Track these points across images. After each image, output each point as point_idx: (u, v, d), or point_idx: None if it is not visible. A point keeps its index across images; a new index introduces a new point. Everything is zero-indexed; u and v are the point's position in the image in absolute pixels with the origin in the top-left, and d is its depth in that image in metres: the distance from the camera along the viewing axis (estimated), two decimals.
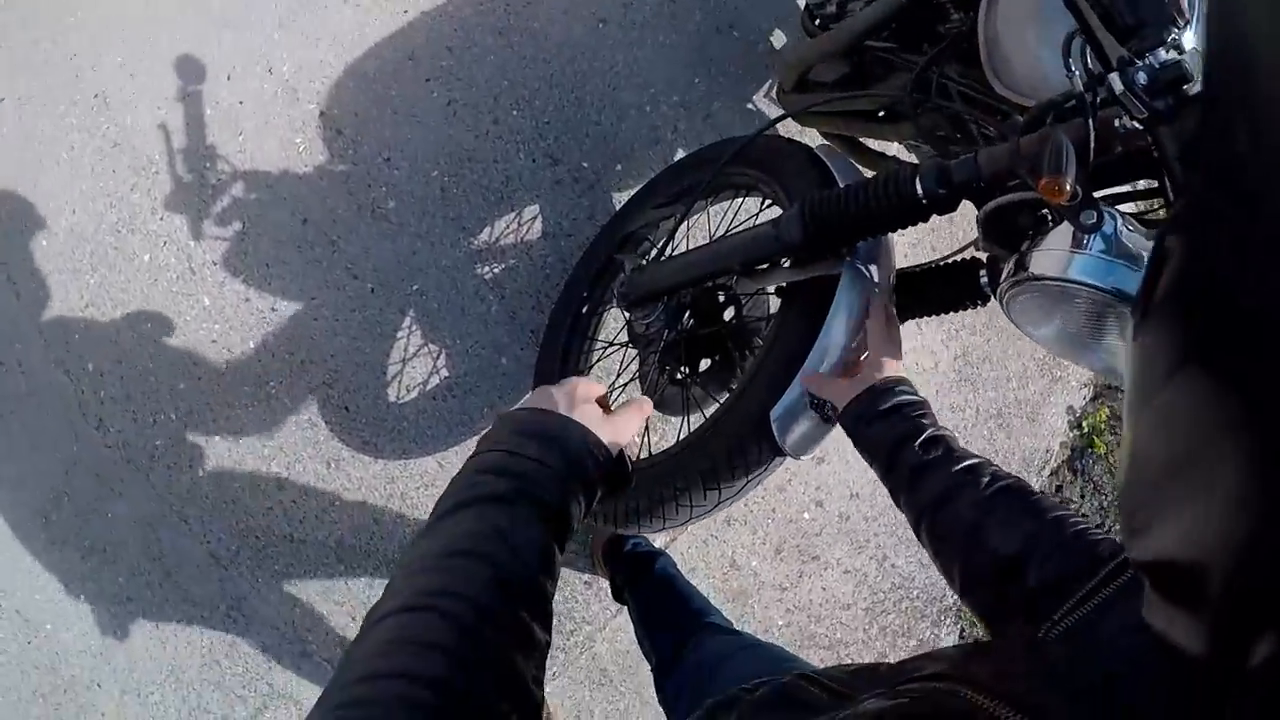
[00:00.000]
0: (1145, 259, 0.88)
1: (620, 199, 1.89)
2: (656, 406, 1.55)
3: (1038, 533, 0.73)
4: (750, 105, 1.98)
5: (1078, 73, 0.87)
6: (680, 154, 1.93)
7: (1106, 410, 2.08)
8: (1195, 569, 0.30)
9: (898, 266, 1.24)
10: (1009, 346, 2.10)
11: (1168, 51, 0.83)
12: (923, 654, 0.54)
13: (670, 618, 1.41)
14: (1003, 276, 0.99)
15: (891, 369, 1.00)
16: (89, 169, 1.68)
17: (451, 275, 1.80)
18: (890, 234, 1.14)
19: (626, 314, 1.52)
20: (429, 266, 1.79)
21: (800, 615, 1.95)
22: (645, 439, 1.54)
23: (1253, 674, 0.27)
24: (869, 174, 1.24)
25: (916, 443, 0.88)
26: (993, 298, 1.09)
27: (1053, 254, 0.95)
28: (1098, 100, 0.86)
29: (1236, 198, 0.26)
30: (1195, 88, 0.80)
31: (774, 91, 1.78)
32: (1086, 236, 0.90)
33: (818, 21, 1.63)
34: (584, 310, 1.76)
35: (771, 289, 1.36)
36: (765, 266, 1.25)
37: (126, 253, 1.68)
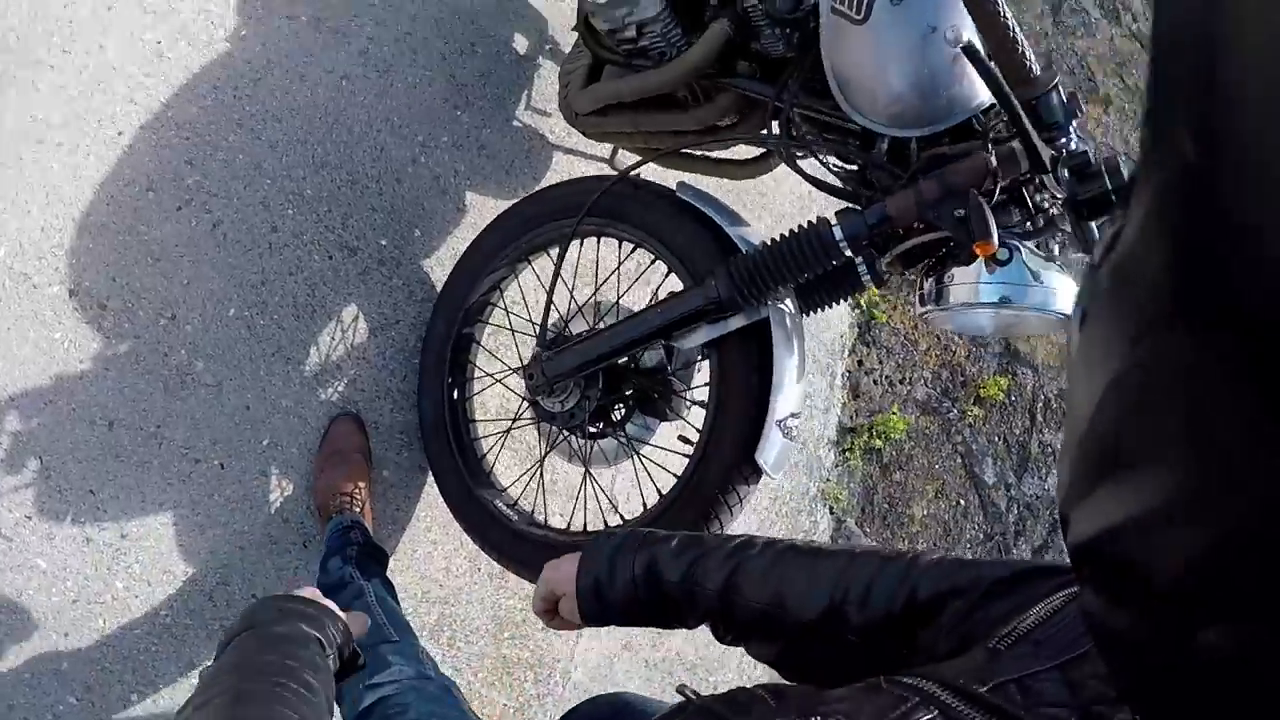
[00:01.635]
0: (1041, 275, 1.23)
1: (432, 265, 1.89)
2: (593, 465, 1.69)
3: (839, 575, 0.71)
4: (517, 122, 2.01)
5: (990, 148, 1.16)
6: (469, 196, 1.94)
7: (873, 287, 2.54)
8: (1134, 565, 0.31)
9: None
10: None
11: (1074, 142, 1.13)
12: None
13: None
14: (924, 300, 1.34)
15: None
16: None
17: (297, 414, 1.72)
18: None
19: (534, 396, 1.62)
20: (269, 415, 1.68)
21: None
22: (584, 505, 1.66)
23: (1202, 666, 0.28)
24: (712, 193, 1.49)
25: (662, 566, 0.80)
26: (870, 288, 1.43)
27: (970, 286, 1.27)
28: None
29: (1187, 205, 0.26)
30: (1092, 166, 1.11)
31: (561, 111, 1.82)
32: (993, 267, 1.19)
33: (606, 45, 1.69)
34: (455, 396, 1.79)
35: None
36: (688, 327, 1.43)
37: None
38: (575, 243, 1.63)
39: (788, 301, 1.42)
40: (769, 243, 1.33)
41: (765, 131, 1.53)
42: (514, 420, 1.78)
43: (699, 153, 1.82)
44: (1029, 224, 1.25)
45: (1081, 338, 0.33)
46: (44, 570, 1.47)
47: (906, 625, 0.66)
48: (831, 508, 2.47)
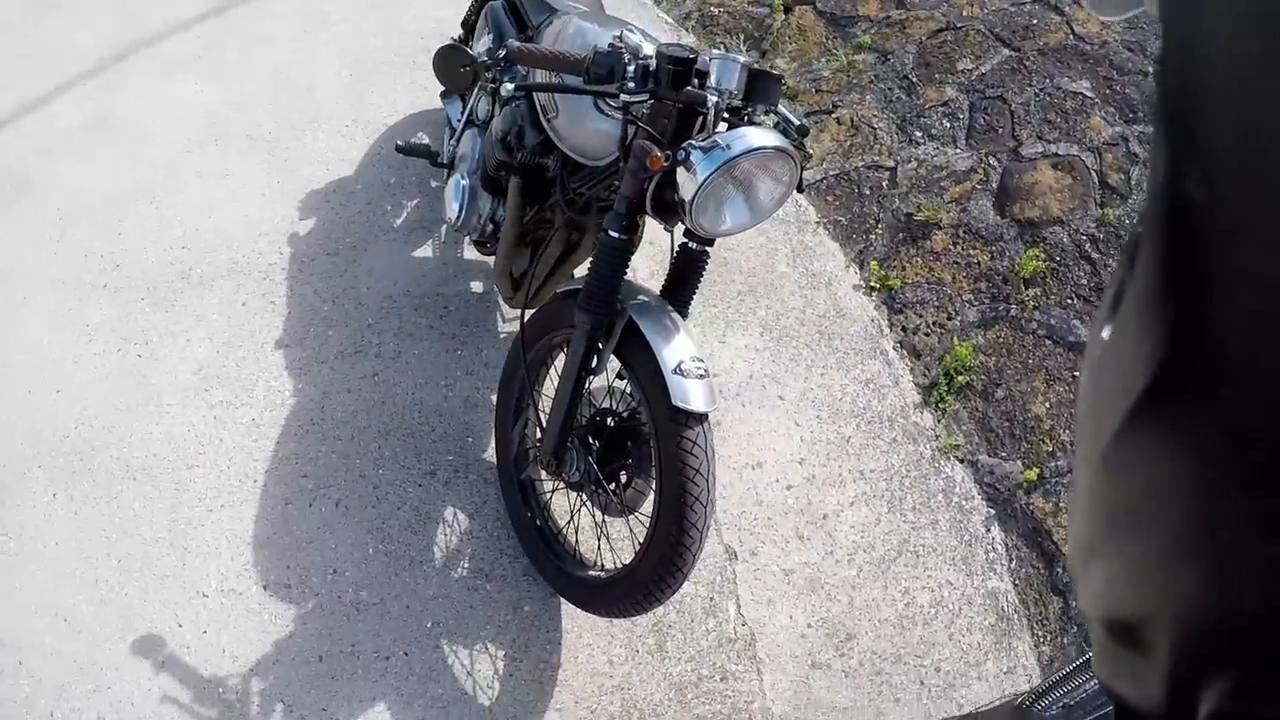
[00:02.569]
0: (717, 140, 1.66)
1: (489, 454, 2.50)
2: (628, 512, 2.11)
3: None
4: (503, 332, 2.73)
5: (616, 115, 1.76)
6: (492, 398, 2.59)
7: (874, 263, 2.85)
8: (1142, 618, 0.32)
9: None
10: (780, 293, 2.85)
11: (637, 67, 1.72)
12: None
13: None
14: (682, 218, 1.76)
15: None
16: None
17: (444, 596, 2.29)
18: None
19: (560, 478, 2.12)
20: (425, 605, 2.27)
21: (859, 555, 2.43)
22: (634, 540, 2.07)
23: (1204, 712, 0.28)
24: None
25: None
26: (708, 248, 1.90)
27: (684, 183, 1.70)
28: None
29: (1194, 250, 0.28)
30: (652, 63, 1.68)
31: (509, 309, 2.52)
32: (689, 162, 1.66)
33: (491, 245, 2.42)
34: (539, 524, 2.31)
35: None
36: (595, 362, 1.98)
37: None
38: (550, 367, 2.24)
39: (640, 295, 1.92)
40: (588, 271, 1.90)
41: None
42: (573, 511, 2.27)
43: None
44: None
45: (1085, 395, 0.35)
46: None
47: None
48: (957, 457, 2.60)
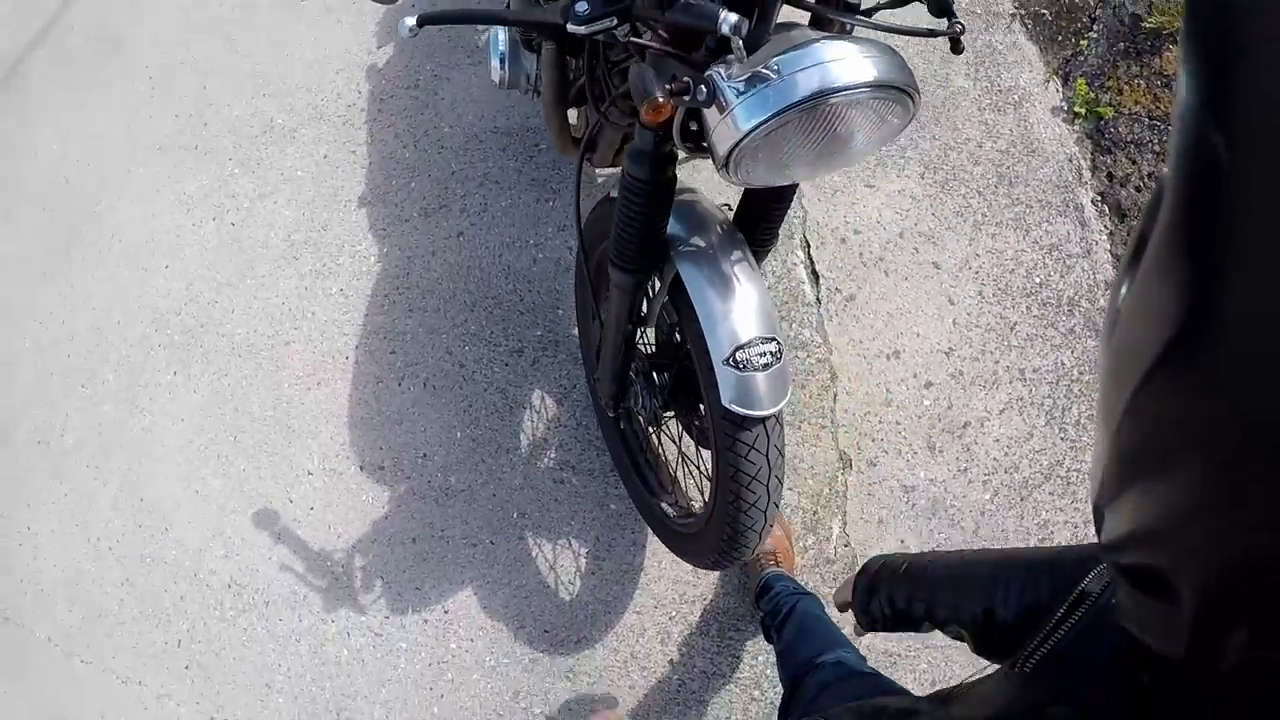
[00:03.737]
0: (774, 66, 1.09)
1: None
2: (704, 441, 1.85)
3: (997, 575, 0.79)
4: (600, 178, 2.37)
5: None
6: None
7: (1081, 81, 2.11)
8: (1168, 566, 0.32)
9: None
10: (953, 116, 2.23)
11: None
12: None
13: (798, 656, 1.61)
14: (718, 166, 1.24)
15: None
16: (264, 634, 2.33)
17: (529, 486, 2.27)
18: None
19: (628, 412, 1.93)
20: (510, 495, 2.27)
21: (997, 476, 2.09)
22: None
23: (1225, 675, 0.29)
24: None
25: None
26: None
27: (720, 130, 1.15)
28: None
29: (1217, 199, 0.28)
30: None
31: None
32: (721, 100, 1.12)
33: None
34: (622, 426, 2.09)
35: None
36: (644, 313, 1.69)
37: (332, 660, 2.27)
38: None
39: (696, 239, 1.49)
40: (615, 221, 1.47)
41: None
42: (649, 432, 2.04)
43: None
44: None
45: (1113, 341, 0.35)
46: (405, 649, 2.24)
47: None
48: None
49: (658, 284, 1.57)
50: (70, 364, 2.58)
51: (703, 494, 1.96)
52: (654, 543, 2.20)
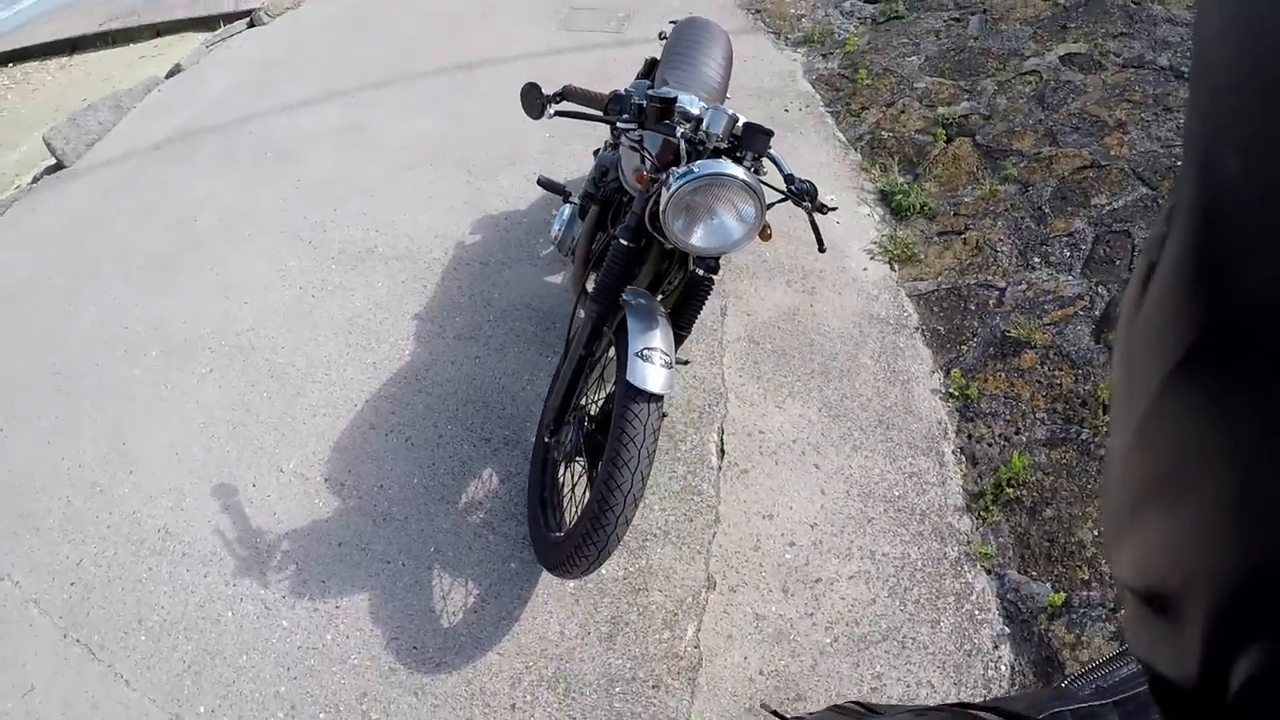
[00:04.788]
0: (693, 166, 2.02)
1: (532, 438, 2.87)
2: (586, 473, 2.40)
3: None
4: None
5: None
6: None
7: (958, 372, 2.93)
8: (1177, 588, 0.33)
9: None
10: (854, 380, 3.01)
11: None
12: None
13: None
14: (664, 225, 2.12)
15: None
16: (166, 577, 2.61)
17: (454, 531, 2.72)
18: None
19: (556, 444, 2.52)
20: (435, 533, 2.72)
21: (840, 627, 2.47)
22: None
23: (1234, 698, 0.29)
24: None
25: None
26: (713, 274, 2.25)
27: (663, 194, 2.05)
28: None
29: (1228, 218, 0.28)
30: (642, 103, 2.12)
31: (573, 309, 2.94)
32: (668, 181, 2.04)
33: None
34: (545, 494, 2.62)
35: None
36: (596, 347, 2.40)
37: (211, 617, 2.53)
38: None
39: (640, 298, 2.32)
40: (603, 268, 2.33)
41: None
42: (574, 484, 2.57)
43: None
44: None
45: (1120, 366, 0.37)
46: (285, 626, 2.50)
47: None
48: (985, 566, 2.56)
49: (608, 326, 2.32)
50: (123, 334, 3.24)
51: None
52: (534, 602, 2.53)
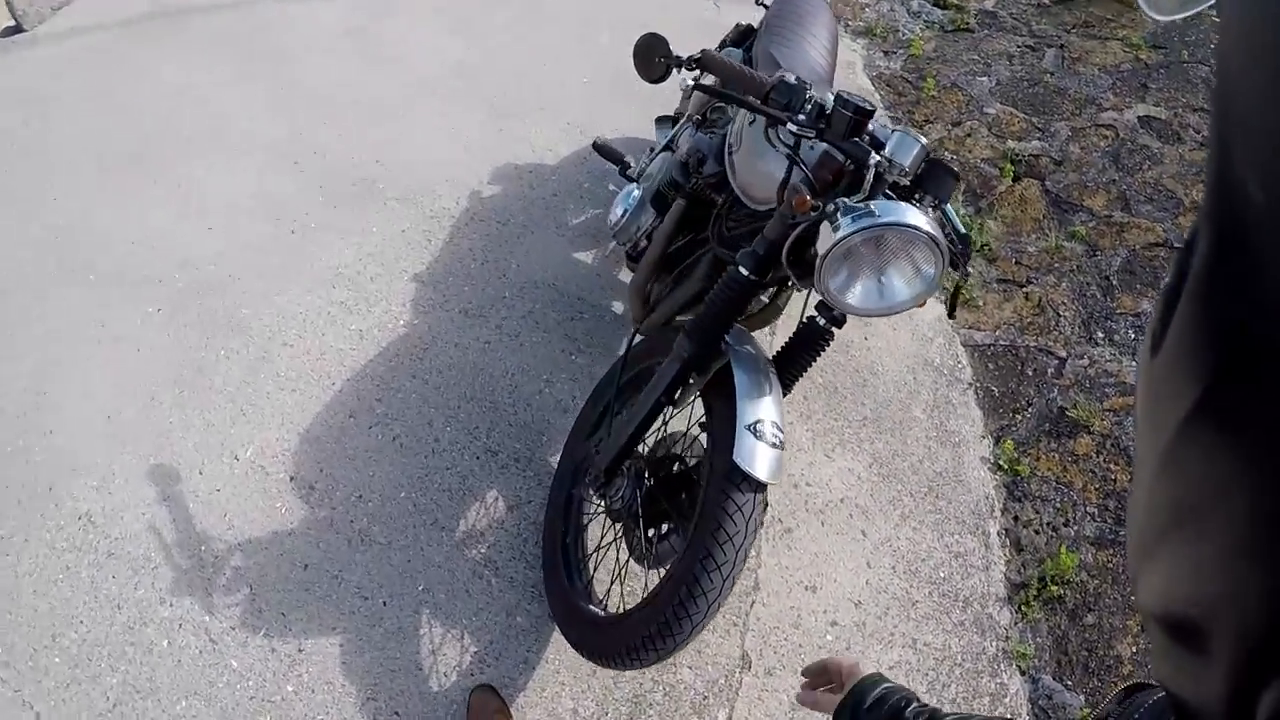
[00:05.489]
0: (872, 205, 1.58)
1: (555, 460, 2.44)
2: (654, 564, 1.99)
3: None
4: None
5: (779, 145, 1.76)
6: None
7: (1010, 442, 2.67)
8: (1202, 617, 0.33)
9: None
10: (905, 435, 2.70)
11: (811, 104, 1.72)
12: None
13: None
14: (816, 279, 1.68)
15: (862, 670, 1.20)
16: (88, 582, 2.07)
17: (447, 568, 2.24)
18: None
19: (602, 500, 2.07)
20: (425, 567, 2.23)
21: None
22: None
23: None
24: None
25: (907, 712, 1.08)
26: (832, 333, 1.84)
27: (824, 237, 1.62)
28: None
29: (1251, 250, 0.29)
30: (829, 107, 1.66)
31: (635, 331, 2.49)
32: (835, 217, 1.59)
33: (637, 260, 2.41)
34: (567, 541, 2.21)
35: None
36: (679, 393, 1.95)
37: (143, 645, 2.01)
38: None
39: (747, 345, 1.90)
40: (704, 301, 1.86)
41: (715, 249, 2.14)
42: (603, 540, 2.16)
43: None
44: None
45: (1143, 399, 0.37)
46: (234, 669, 2.03)
47: None
48: (1020, 667, 2.35)
49: (700, 373, 1.88)
50: (58, 244, 2.59)
51: (623, 602, 2.06)
52: (544, 669, 2.15)
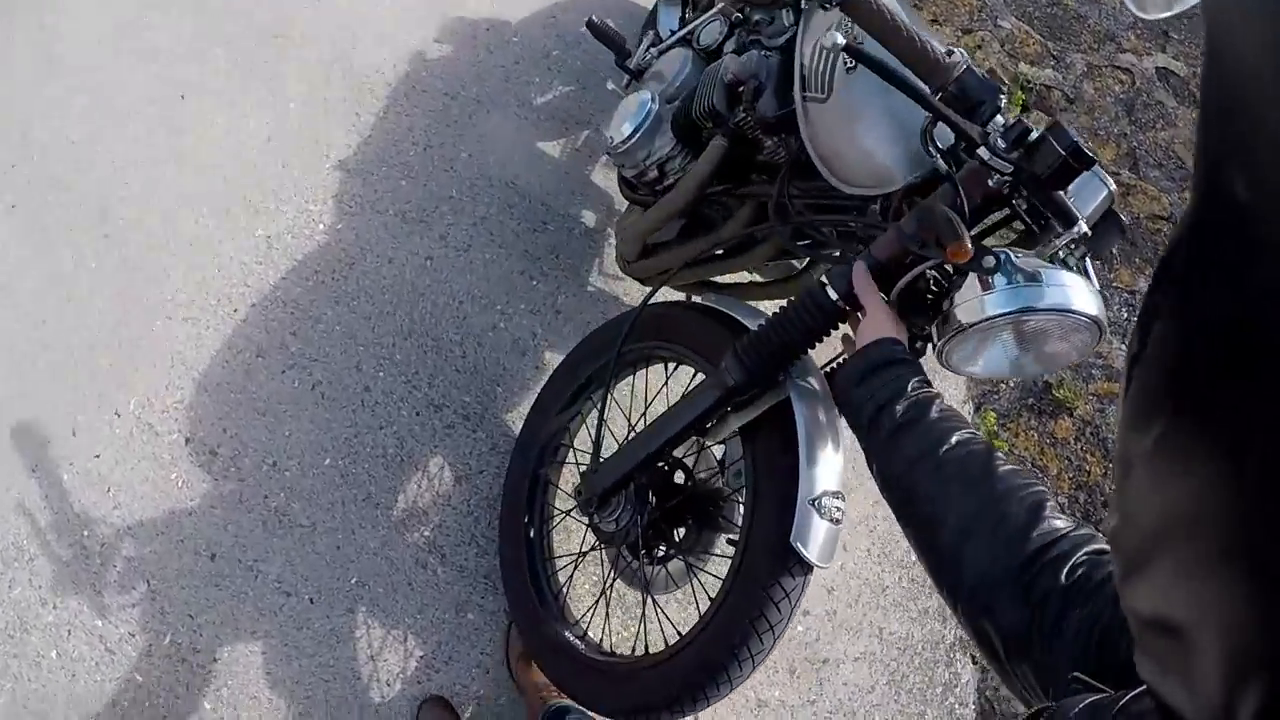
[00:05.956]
0: (1044, 275, 1.28)
1: (513, 418, 2.20)
2: (654, 591, 1.79)
3: (979, 512, 1.00)
4: (591, 287, 2.38)
5: (937, 156, 1.33)
6: (547, 355, 2.27)
7: (992, 414, 2.70)
8: (1187, 620, 0.34)
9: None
10: None
11: (1004, 116, 1.30)
12: None
13: None
14: (936, 337, 1.38)
15: (881, 330, 1.26)
16: None
17: (384, 555, 2.00)
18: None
19: (591, 519, 1.79)
20: (358, 556, 1.97)
21: (837, 717, 2.18)
22: (662, 629, 1.77)
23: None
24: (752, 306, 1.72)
25: (898, 405, 1.16)
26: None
27: (970, 303, 1.29)
28: (956, 170, 1.33)
29: (1239, 247, 0.30)
30: (1035, 134, 1.26)
31: (616, 265, 2.16)
32: (990, 277, 1.28)
33: (641, 191, 2.03)
34: (531, 535, 1.97)
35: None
36: (713, 423, 1.60)
37: (28, 657, 1.73)
38: (633, 373, 1.90)
39: (811, 379, 1.57)
40: (770, 317, 1.50)
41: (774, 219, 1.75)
42: (581, 551, 1.95)
43: (742, 281, 2.09)
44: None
45: (1128, 405, 0.37)
46: (140, 684, 1.76)
47: None
48: (973, 656, 2.43)
49: (745, 408, 1.56)
50: None
51: (609, 635, 1.89)
52: (501, 674, 1.99)
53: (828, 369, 1.61)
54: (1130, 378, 0.36)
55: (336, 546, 1.97)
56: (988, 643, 0.92)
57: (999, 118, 1.31)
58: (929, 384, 1.22)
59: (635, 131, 1.99)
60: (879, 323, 1.27)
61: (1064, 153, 1.24)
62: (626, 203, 2.24)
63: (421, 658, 1.95)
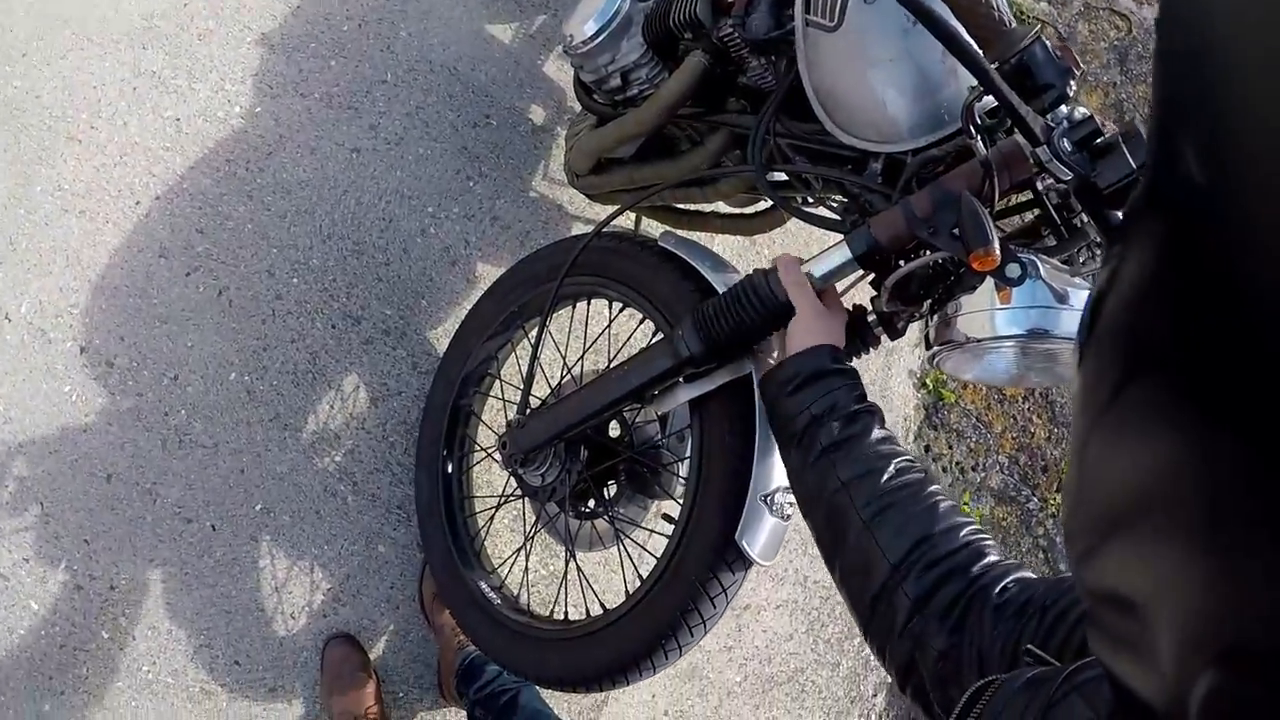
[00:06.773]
0: (1070, 297, 1.22)
1: (438, 336, 2.23)
2: (578, 548, 1.88)
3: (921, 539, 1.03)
4: (533, 193, 2.37)
5: (978, 138, 1.21)
6: (480, 267, 2.28)
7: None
8: (1141, 602, 0.36)
9: None
10: None
11: (1069, 107, 1.17)
12: None
13: None
14: (932, 340, 1.35)
15: (814, 335, 1.26)
16: None
17: (291, 481, 2.05)
18: None
19: (513, 471, 1.81)
20: (264, 480, 2.03)
21: (753, 664, 2.44)
22: (583, 594, 1.86)
23: (1199, 713, 0.32)
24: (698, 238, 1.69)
25: (834, 422, 1.17)
26: (881, 341, 1.46)
27: (980, 316, 1.24)
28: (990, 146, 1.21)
29: (1197, 214, 0.30)
30: (1104, 137, 1.12)
31: (565, 175, 2.15)
32: (1009, 292, 1.21)
33: (600, 99, 1.99)
34: (449, 470, 2.03)
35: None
36: (659, 390, 1.59)
37: None
38: (573, 305, 1.90)
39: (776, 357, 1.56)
40: (729, 291, 1.41)
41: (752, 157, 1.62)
42: (502, 497, 2.03)
43: (705, 209, 2.09)
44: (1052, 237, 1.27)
45: (1080, 378, 0.38)
46: (35, 611, 1.84)
47: None
48: None
49: (697, 380, 1.53)
50: None
51: (527, 591, 1.99)
52: (412, 610, 2.12)
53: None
54: (1085, 346, 0.37)
55: (241, 470, 2.03)
56: (913, 674, 0.98)
57: (1063, 107, 1.17)
58: (866, 398, 1.22)
59: (600, 31, 1.87)
60: (811, 327, 1.26)
61: (1138, 168, 1.09)
62: (580, 106, 2.20)
63: (329, 590, 2.05)
